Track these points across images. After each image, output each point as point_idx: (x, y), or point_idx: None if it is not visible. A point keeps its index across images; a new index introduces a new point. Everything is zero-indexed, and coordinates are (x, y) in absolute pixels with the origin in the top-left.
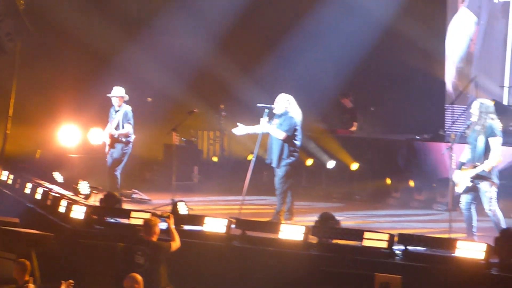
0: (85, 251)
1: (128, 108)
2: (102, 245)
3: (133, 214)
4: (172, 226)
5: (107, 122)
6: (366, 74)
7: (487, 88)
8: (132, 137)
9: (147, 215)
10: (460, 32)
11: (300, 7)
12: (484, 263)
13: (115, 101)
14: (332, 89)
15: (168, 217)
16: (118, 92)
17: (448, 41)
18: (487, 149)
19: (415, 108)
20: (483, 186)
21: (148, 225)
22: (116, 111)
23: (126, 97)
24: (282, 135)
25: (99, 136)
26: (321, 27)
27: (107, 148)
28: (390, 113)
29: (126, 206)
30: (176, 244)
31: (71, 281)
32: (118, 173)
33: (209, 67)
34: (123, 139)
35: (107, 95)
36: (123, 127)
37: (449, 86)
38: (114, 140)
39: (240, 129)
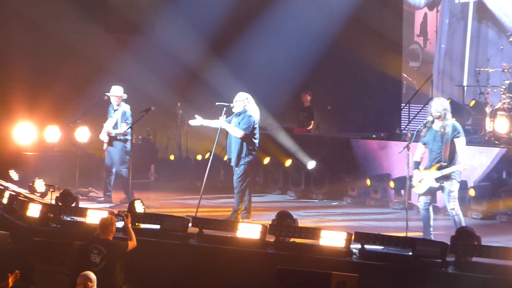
0: (41, 249)
1: (126, 107)
2: (58, 243)
3: (89, 212)
4: (129, 225)
5: (63, 119)
6: (323, 73)
7: (445, 87)
8: (129, 136)
9: (104, 214)
10: (420, 32)
11: (256, 6)
12: (440, 262)
13: (113, 100)
14: (289, 88)
15: (125, 216)
16: (116, 92)
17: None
18: (452, 149)
19: (372, 107)
20: (449, 185)
21: (104, 224)
22: (115, 110)
23: (125, 96)
24: (240, 133)
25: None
26: (278, 25)
27: (105, 146)
28: (346, 111)
29: (82, 204)
30: (132, 243)
31: (17, 271)
32: (124, 173)
33: (165, 66)
34: (121, 138)
35: (106, 94)
36: (120, 126)
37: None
38: (112, 139)
39: (196, 121)
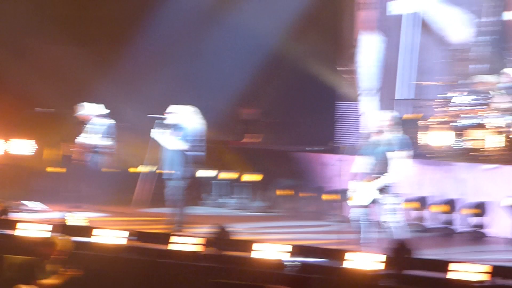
0: None
1: (107, 122)
2: None
3: (19, 225)
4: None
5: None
6: (259, 86)
7: (378, 100)
8: (109, 149)
9: (35, 227)
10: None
11: (204, 17)
12: (373, 274)
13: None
14: (226, 100)
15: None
16: (86, 111)
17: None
18: (386, 162)
19: (307, 120)
20: (383, 198)
21: (44, 243)
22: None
23: (99, 112)
24: (183, 145)
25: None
26: (221, 37)
27: (77, 156)
28: (283, 124)
29: (14, 217)
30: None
31: None
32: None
33: (93, 77)
34: (98, 150)
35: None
36: (106, 140)
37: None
38: (87, 149)
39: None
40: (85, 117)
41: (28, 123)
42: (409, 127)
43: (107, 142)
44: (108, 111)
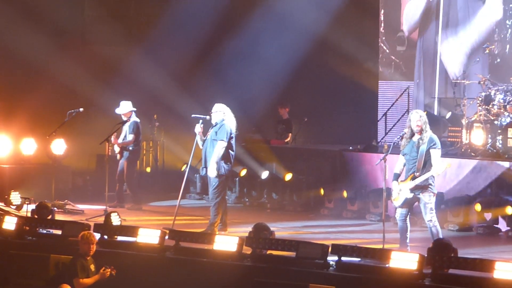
0: (17, 262)
1: (135, 120)
2: (33, 256)
3: (65, 225)
4: (96, 278)
5: (39, 132)
6: (300, 85)
7: (419, 99)
8: (139, 147)
9: (80, 226)
10: None
11: (235, 17)
12: (417, 274)
13: (123, 115)
14: (267, 99)
15: (104, 271)
16: (124, 108)
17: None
18: (427, 160)
19: (348, 119)
20: (424, 197)
21: (80, 238)
22: (124, 124)
23: (133, 110)
24: (220, 144)
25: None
26: (257, 37)
27: (118, 156)
28: (323, 123)
29: (58, 217)
30: (81, 284)
31: None
32: (127, 185)
33: (142, 77)
34: (130, 149)
35: (116, 111)
36: (127, 138)
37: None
38: (122, 149)
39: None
40: (126, 114)
41: (59, 123)
42: (451, 126)
43: (129, 139)
44: (134, 109)
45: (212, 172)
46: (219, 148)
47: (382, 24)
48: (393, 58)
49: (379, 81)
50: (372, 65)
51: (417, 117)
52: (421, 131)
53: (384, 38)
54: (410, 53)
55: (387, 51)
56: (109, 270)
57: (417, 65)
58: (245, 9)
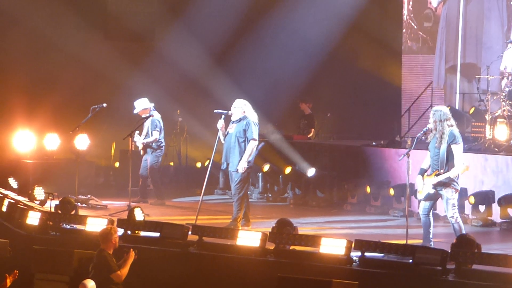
0: (41, 257)
1: (156, 116)
2: (57, 251)
3: (89, 220)
4: (128, 261)
5: (62, 127)
6: (322, 81)
7: (441, 72)
8: (163, 143)
9: (103, 222)
10: None
11: (256, 15)
12: (440, 269)
13: (141, 113)
14: (289, 95)
15: (127, 252)
16: (138, 107)
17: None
18: (449, 156)
19: (371, 114)
20: (447, 193)
21: (102, 234)
22: (145, 120)
23: (150, 106)
24: (254, 144)
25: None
26: (278, 34)
27: (141, 152)
28: (346, 119)
29: (82, 212)
30: (119, 275)
31: (16, 271)
32: (150, 180)
33: (164, 73)
34: (154, 145)
35: (134, 111)
36: (152, 135)
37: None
38: (145, 147)
39: (219, 124)
40: (142, 112)
41: (82, 118)
42: (475, 121)
43: (155, 136)
44: (152, 104)
45: (241, 169)
46: (252, 147)
47: (411, 2)
48: (421, 33)
49: (403, 56)
50: (395, 60)
51: (430, 114)
52: (436, 128)
53: (412, 15)
54: (436, 28)
55: (415, 27)
56: (132, 250)
57: (440, 32)
58: (267, 2)
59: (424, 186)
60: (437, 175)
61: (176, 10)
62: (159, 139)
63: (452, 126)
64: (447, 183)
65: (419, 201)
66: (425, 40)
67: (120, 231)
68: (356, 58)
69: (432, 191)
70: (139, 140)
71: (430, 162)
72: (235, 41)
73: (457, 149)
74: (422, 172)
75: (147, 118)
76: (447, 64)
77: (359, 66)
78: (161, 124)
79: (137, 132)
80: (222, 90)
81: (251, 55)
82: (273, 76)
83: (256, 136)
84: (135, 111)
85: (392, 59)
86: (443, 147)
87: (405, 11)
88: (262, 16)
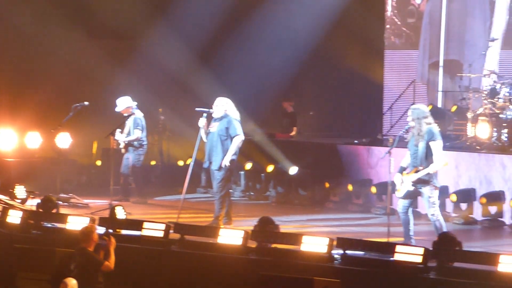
0: (22, 256)
1: (138, 115)
2: (39, 250)
3: (70, 218)
4: (111, 248)
5: (44, 125)
6: (305, 78)
7: (424, 69)
8: (145, 141)
9: (85, 220)
10: None
11: (239, 13)
12: (422, 267)
13: (122, 112)
14: (271, 93)
15: (108, 238)
16: (121, 105)
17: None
18: (428, 153)
19: (354, 112)
20: (426, 190)
21: (83, 232)
22: (128, 119)
23: (133, 105)
24: (238, 140)
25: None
26: (260, 31)
27: (123, 150)
28: (328, 117)
29: (63, 210)
30: (109, 266)
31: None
32: (133, 179)
33: (146, 72)
34: (136, 144)
35: (115, 110)
36: (134, 133)
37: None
38: (127, 145)
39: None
40: (125, 111)
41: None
42: (457, 119)
43: (137, 135)
44: (135, 103)
45: (219, 166)
46: (238, 143)
47: None
48: (404, 29)
49: (386, 51)
50: (378, 58)
51: (409, 112)
52: (421, 124)
53: (396, 11)
54: (420, 24)
55: (399, 23)
56: (111, 237)
57: (423, 28)
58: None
59: (403, 184)
60: (416, 172)
61: (160, 8)
62: (141, 138)
63: (430, 124)
64: (426, 181)
65: (398, 199)
66: (409, 36)
67: (102, 230)
68: (339, 56)
69: (411, 188)
70: (121, 138)
71: (406, 159)
72: (218, 39)
73: (436, 146)
74: (401, 170)
75: (129, 116)
76: (430, 60)
77: (342, 64)
78: (144, 123)
79: (118, 130)
80: (205, 88)
81: (235, 53)
82: (256, 74)
83: (240, 131)
84: (118, 109)
85: (375, 57)
86: (422, 144)
87: (388, 7)
88: (246, 15)
